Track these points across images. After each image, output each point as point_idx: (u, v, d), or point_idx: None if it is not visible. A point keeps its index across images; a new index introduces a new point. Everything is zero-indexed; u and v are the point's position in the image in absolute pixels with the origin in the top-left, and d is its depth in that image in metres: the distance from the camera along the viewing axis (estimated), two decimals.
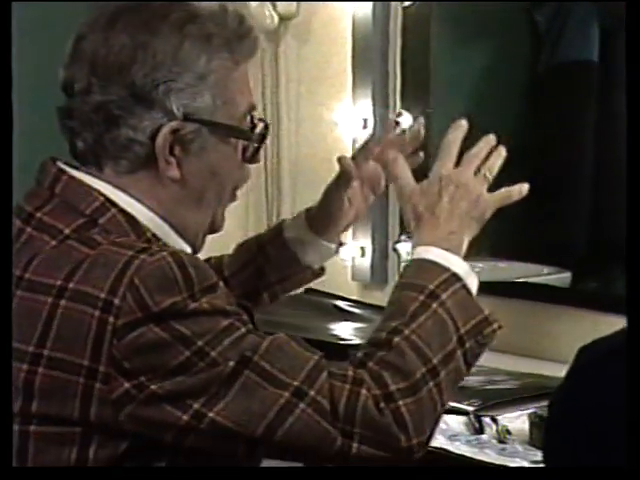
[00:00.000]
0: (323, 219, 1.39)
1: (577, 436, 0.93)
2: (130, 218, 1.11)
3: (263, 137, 1.18)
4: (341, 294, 2.03)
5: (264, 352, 1.06)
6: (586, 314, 1.77)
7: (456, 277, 1.16)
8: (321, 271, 1.43)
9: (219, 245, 2.24)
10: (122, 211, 1.11)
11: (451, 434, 1.48)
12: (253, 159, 1.18)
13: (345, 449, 1.06)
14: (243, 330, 1.06)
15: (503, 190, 1.24)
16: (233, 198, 1.20)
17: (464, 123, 1.26)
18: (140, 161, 1.12)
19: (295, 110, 2.19)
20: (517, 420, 1.50)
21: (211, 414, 1.04)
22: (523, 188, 1.26)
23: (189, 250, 1.16)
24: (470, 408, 1.53)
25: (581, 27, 1.94)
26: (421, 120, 1.40)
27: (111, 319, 1.03)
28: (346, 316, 1.93)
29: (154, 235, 1.12)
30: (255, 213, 2.25)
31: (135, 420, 1.04)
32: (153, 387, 1.03)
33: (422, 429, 1.08)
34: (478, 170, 1.23)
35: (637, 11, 0.91)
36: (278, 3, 2.11)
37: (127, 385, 1.03)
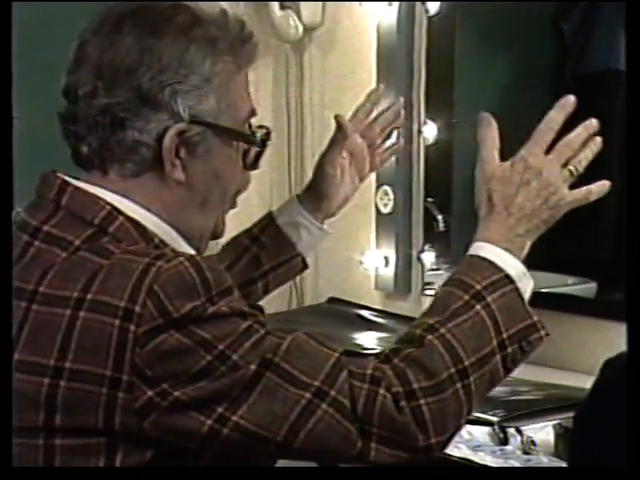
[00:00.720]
0: (315, 197, 1.43)
1: (603, 448, 0.92)
2: (137, 225, 1.11)
3: (265, 142, 1.19)
4: (364, 303, 2.03)
5: (284, 353, 1.06)
6: (611, 325, 1.76)
7: (509, 279, 1.13)
8: (306, 265, 1.46)
9: None
10: (129, 218, 1.11)
11: (475, 445, 1.47)
12: (254, 165, 1.19)
13: (364, 450, 1.06)
14: (262, 332, 1.07)
15: (583, 189, 1.19)
16: (234, 204, 1.21)
17: (572, 101, 1.19)
18: (146, 163, 1.12)
19: (319, 120, 2.19)
20: (542, 431, 1.49)
21: (234, 417, 1.04)
22: (604, 186, 1.20)
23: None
24: (494, 419, 1.53)
25: (607, 36, 1.93)
26: (400, 100, 1.48)
27: (132, 327, 1.03)
28: (369, 325, 1.93)
29: (162, 241, 1.12)
30: None
31: (160, 428, 1.04)
32: (176, 393, 1.03)
33: (443, 429, 1.07)
34: (566, 162, 1.17)
35: (637, 11, 0.91)
36: (303, 14, 2.12)
37: (150, 393, 1.03)
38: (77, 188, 1.12)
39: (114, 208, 1.11)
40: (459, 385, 1.08)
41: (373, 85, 2.06)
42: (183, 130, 1.11)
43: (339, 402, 1.05)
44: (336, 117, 1.42)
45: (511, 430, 1.49)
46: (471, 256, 1.16)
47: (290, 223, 1.42)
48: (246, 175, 1.19)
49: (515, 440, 1.48)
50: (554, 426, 1.45)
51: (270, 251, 1.42)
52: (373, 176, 2.08)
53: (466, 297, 1.12)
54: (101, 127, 1.11)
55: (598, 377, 1.00)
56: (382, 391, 1.06)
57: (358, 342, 1.83)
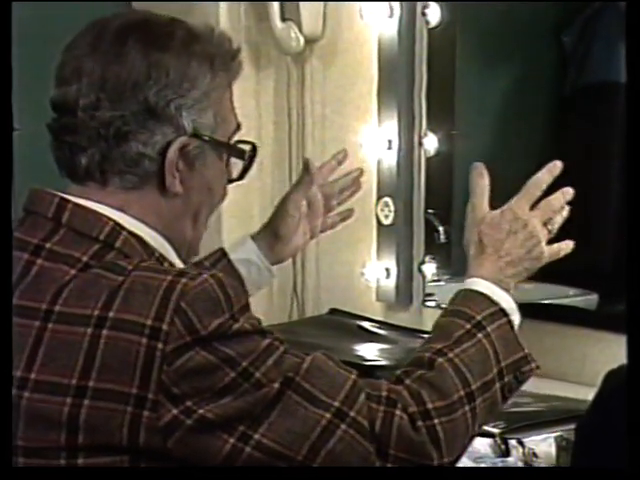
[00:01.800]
0: (270, 238, 1.45)
1: (604, 460, 0.92)
2: (139, 240, 1.12)
3: (252, 157, 1.21)
4: (365, 315, 2.03)
5: (305, 372, 1.07)
6: (613, 337, 1.76)
7: (503, 312, 1.19)
8: None
9: None
10: (131, 233, 1.12)
11: (477, 456, 1.47)
12: (240, 179, 1.21)
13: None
14: (282, 349, 1.08)
15: (555, 246, 1.28)
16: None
17: (559, 165, 1.29)
18: (148, 176, 1.13)
19: (320, 132, 2.19)
20: (543, 443, 1.49)
21: (257, 436, 1.05)
22: (569, 244, 1.30)
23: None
24: (496, 430, 1.52)
25: (607, 48, 1.94)
26: (360, 171, 1.52)
27: (160, 345, 1.03)
28: (370, 337, 1.93)
29: (161, 255, 1.13)
30: None
31: (183, 446, 1.04)
32: (201, 411, 1.03)
33: (454, 449, 1.11)
34: (545, 221, 1.26)
35: (637, 11, 0.92)
36: (304, 26, 2.12)
37: (175, 411, 1.03)
38: (77, 205, 1.12)
39: (116, 223, 1.11)
40: (467, 408, 1.11)
41: (374, 97, 2.07)
42: (186, 144, 1.13)
43: (358, 423, 1.07)
44: (305, 160, 1.46)
45: (512, 442, 1.49)
46: (467, 290, 1.21)
47: (242, 260, 1.43)
48: (226, 189, 1.22)
49: (516, 452, 1.47)
50: (556, 438, 1.45)
51: None
52: (374, 188, 2.09)
53: (468, 326, 1.17)
54: (103, 139, 1.11)
55: (600, 389, 1.00)
56: (399, 412, 1.08)
57: (359, 353, 1.83)
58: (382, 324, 2.00)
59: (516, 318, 1.21)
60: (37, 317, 1.07)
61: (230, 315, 1.06)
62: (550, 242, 1.28)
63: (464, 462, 1.45)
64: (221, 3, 2.18)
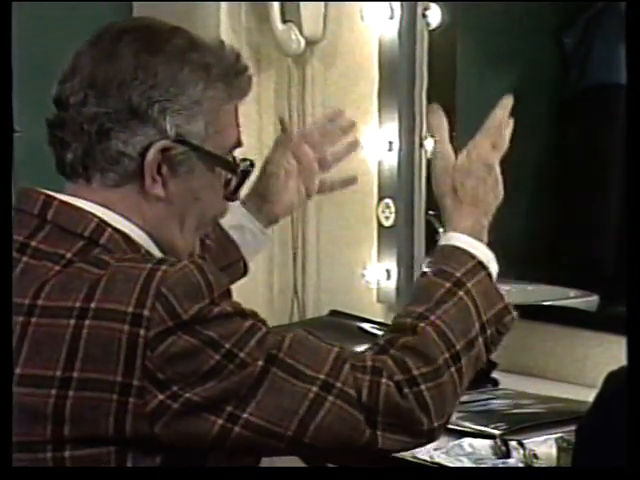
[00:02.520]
0: (257, 199, 1.44)
1: (605, 461, 0.92)
2: (125, 236, 1.12)
3: (247, 174, 1.20)
4: (366, 316, 2.03)
5: (287, 348, 1.08)
6: (613, 338, 1.76)
7: (481, 265, 1.20)
8: (247, 271, 1.47)
9: None
10: (116, 230, 1.12)
11: (477, 458, 1.47)
12: (233, 195, 1.20)
13: (372, 438, 1.09)
14: (264, 329, 1.09)
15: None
16: (207, 229, 1.23)
17: (511, 100, 1.29)
18: (127, 175, 1.13)
19: None
20: (544, 444, 1.49)
21: (244, 415, 1.05)
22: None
23: None
24: (496, 432, 1.53)
25: (608, 49, 1.94)
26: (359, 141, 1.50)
27: (142, 332, 1.04)
28: (371, 338, 1.92)
29: (147, 252, 1.14)
30: (280, 234, 2.25)
31: (171, 431, 1.05)
32: (187, 395, 1.04)
33: (443, 412, 1.12)
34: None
35: (637, 11, 0.92)
36: (305, 28, 2.13)
37: (161, 396, 1.04)
38: (62, 202, 1.13)
39: (101, 220, 1.12)
40: (453, 369, 1.13)
41: (375, 98, 2.07)
42: (167, 147, 1.13)
43: (346, 393, 1.08)
44: (279, 118, 1.48)
45: (513, 443, 1.49)
46: (445, 246, 1.22)
47: (234, 226, 1.43)
48: (224, 204, 1.21)
49: (517, 453, 1.47)
50: (556, 439, 1.45)
51: (214, 254, 1.40)
52: (375, 189, 2.09)
53: (448, 284, 1.18)
54: (87, 134, 1.12)
55: (600, 390, 1.00)
56: (384, 380, 1.09)
57: None
58: (383, 325, 1.99)
59: (493, 267, 1.22)
60: (21, 312, 1.07)
61: (210, 300, 1.06)
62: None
63: (464, 463, 1.45)
64: (222, 4, 2.18)
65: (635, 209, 0.89)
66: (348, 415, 1.07)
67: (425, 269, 1.22)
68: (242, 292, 2.26)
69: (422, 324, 1.14)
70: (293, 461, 1.76)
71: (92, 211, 1.12)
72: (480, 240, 1.22)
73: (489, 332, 1.17)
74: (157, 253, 1.15)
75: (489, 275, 1.20)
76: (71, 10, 2.10)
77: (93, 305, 1.05)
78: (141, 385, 1.03)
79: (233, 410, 1.05)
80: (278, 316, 2.20)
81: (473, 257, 1.20)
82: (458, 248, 1.21)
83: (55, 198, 1.13)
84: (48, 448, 1.05)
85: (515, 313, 1.21)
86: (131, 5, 2.24)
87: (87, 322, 1.05)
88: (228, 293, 1.10)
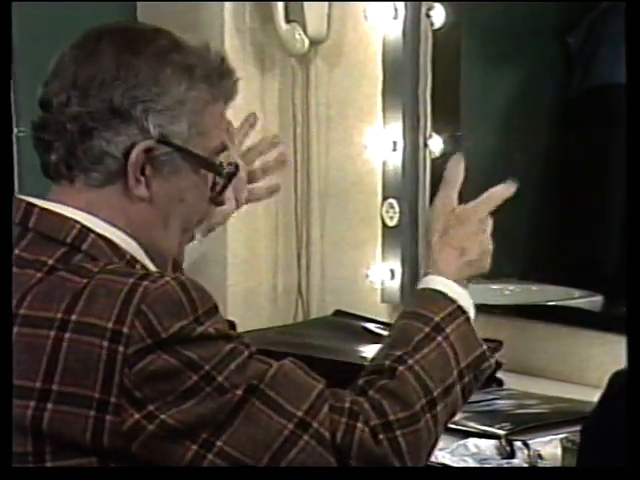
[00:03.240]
0: None
1: (610, 462, 0.92)
2: (108, 242, 1.12)
3: (231, 176, 1.20)
4: (370, 316, 2.03)
5: (270, 380, 1.07)
6: (618, 338, 1.76)
7: (461, 310, 1.20)
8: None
9: (251, 267, 2.26)
10: (100, 236, 1.12)
11: (482, 458, 1.47)
12: (218, 198, 1.19)
13: None
14: (246, 353, 1.08)
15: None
16: (193, 234, 1.22)
17: (514, 187, 1.30)
18: (111, 175, 1.13)
19: (325, 133, 2.19)
20: (548, 445, 1.49)
21: (219, 443, 1.05)
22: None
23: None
24: (501, 432, 1.53)
25: (613, 50, 1.94)
26: (283, 148, 1.53)
27: (121, 348, 1.03)
28: (375, 338, 1.93)
29: (132, 257, 1.13)
30: (284, 234, 2.25)
31: (147, 451, 1.04)
32: (163, 416, 1.03)
33: (418, 459, 1.11)
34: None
35: (637, 11, 0.92)
36: (309, 27, 2.13)
37: (137, 416, 1.03)
38: (44, 209, 1.12)
39: (83, 226, 1.11)
40: (429, 415, 1.12)
41: (379, 98, 2.07)
42: (150, 147, 1.12)
43: (320, 434, 1.07)
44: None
45: (518, 443, 1.49)
46: (425, 289, 1.22)
47: None
48: (210, 207, 1.20)
49: (522, 453, 1.47)
50: (561, 439, 1.45)
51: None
52: (379, 189, 2.09)
53: (427, 329, 1.17)
54: (70, 134, 1.12)
55: (605, 390, 1.00)
56: (360, 425, 1.09)
57: (364, 355, 1.83)
58: (387, 325, 1.99)
59: (472, 312, 1.22)
60: None
61: (194, 318, 1.06)
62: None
63: (469, 463, 1.45)
64: (226, 4, 2.18)
65: (635, 209, 0.88)
66: (319, 457, 1.07)
67: (405, 310, 1.21)
68: (247, 292, 2.27)
69: (401, 368, 1.13)
70: None
71: (74, 217, 1.12)
72: (461, 285, 1.22)
73: (466, 379, 1.17)
74: (142, 257, 1.14)
75: (468, 320, 1.20)
76: (76, 11, 2.10)
77: (74, 318, 1.05)
78: (118, 403, 1.03)
79: (208, 437, 1.04)
80: (282, 316, 2.20)
81: (453, 301, 1.20)
82: (439, 292, 1.20)
83: (36, 205, 1.12)
84: (29, 459, 1.05)
85: (493, 360, 1.21)
86: (135, 5, 2.25)
87: (67, 335, 1.04)
88: (215, 309, 1.08)
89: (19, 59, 1.99)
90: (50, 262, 1.09)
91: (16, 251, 1.10)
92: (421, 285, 1.22)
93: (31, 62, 2.01)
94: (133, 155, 1.12)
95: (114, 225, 1.13)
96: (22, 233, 1.11)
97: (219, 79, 1.16)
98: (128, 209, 1.13)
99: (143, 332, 1.03)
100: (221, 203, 1.21)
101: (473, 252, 1.23)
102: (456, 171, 1.28)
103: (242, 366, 1.06)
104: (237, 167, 1.21)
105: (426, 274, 1.23)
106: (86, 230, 1.11)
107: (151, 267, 1.15)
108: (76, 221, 1.11)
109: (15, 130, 2.05)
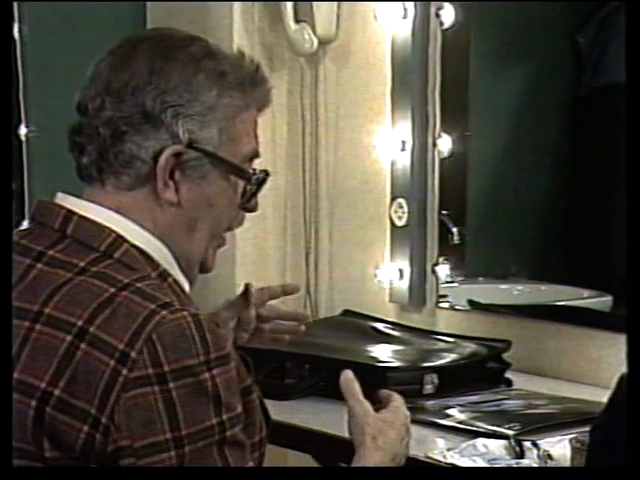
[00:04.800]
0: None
1: (619, 462, 0.92)
2: (142, 252, 1.13)
3: (261, 183, 1.20)
4: (379, 316, 2.03)
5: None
6: None
7: None
8: None
9: (260, 267, 2.26)
10: (133, 246, 1.13)
11: (491, 458, 1.47)
12: (248, 205, 1.20)
13: None
14: (228, 434, 1.06)
15: None
16: (223, 241, 1.22)
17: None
18: (140, 178, 1.14)
19: (334, 132, 2.19)
20: (558, 445, 1.49)
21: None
22: None
23: (187, 286, 1.17)
24: (510, 432, 1.52)
25: (623, 49, 1.93)
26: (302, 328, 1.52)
27: (125, 371, 1.04)
28: (384, 338, 1.93)
29: (165, 270, 1.14)
30: (293, 234, 2.25)
31: (134, 467, 1.05)
32: (125, 461, 1.04)
33: None
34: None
35: (637, 11, 0.92)
36: (318, 27, 2.13)
37: (120, 443, 1.04)
38: (83, 217, 1.14)
39: (119, 235, 1.13)
40: None
41: (388, 98, 2.07)
42: (180, 152, 1.13)
43: None
44: (246, 284, 1.48)
45: (527, 444, 1.48)
46: None
47: None
48: (240, 213, 1.21)
49: (531, 454, 1.47)
50: (570, 440, 1.45)
51: None
52: (387, 189, 2.09)
53: None
54: (102, 138, 1.13)
55: (614, 391, 1.00)
56: None
57: (372, 354, 1.83)
58: (395, 325, 2.00)
59: None
60: (28, 318, 1.08)
61: (205, 360, 1.06)
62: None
63: (478, 463, 1.45)
64: (235, 4, 2.18)
65: (635, 209, 0.88)
66: None
67: None
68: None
69: None
70: (295, 461, 1.76)
71: (110, 225, 1.13)
72: None
73: None
74: (174, 267, 1.15)
75: None
76: (86, 11, 2.11)
77: (92, 330, 1.06)
78: (107, 424, 1.04)
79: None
80: None
81: None
82: None
83: (75, 213, 1.14)
84: (31, 455, 1.06)
85: None
86: (145, 5, 2.25)
87: (82, 345, 1.05)
88: (228, 358, 1.07)
89: (30, 59, 2.01)
90: (82, 264, 1.10)
91: (50, 252, 1.12)
92: None
93: (42, 62, 2.03)
94: (162, 159, 1.13)
95: (143, 227, 1.14)
96: (60, 238, 1.13)
97: (252, 86, 1.17)
98: (156, 212, 1.15)
99: (148, 360, 1.04)
100: (251, 209, 1.21)
101: (401, 456, 1.27)
102: (351, 385, 1.29)
103: (211, 449, 1.05)
104: (267, 174, 1.21)
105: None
106: (121, 240, 1.12)
107: (181, 278, 1.16)
108: (112, 230, 1.13)
109: (25, 130, 2.07)
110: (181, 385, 1.05)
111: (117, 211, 1.14)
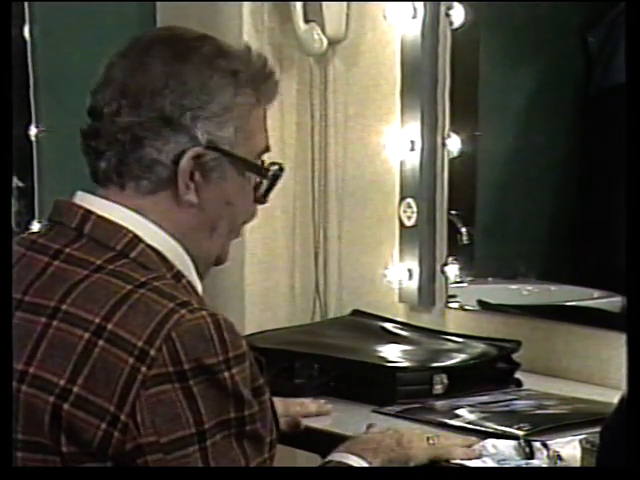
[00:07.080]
0: None
1: (629, 463, 0.92)
2: (157, 253, 1.14)
3: (276, 178, 1.22)
4: (388, 316, 2.03)
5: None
6: None
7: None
8: None
9: (269, 267, 2.26)
10: (149, 246, 1.14)
11: (500, 458, 1.47)
12: (262, 199, 1.22)
13: None
14: (247, 428, 1.08)
15: None
16: (238, 234, 1.24)
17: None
18: (161, 182, 1.15)
19: (343, 132, 2.19)
20: (568, 445, 1.48)
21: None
22: None
23: (200, 288, 1.18)
24: (520, 433, 1.52)
25: None
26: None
27: (144, 369, 1.05)
28: (393, 338, 1.93)
29: (179, 272, 1.15)
30: (302, 234, 2.25)
31: (151, 467, 1.06)
32: (149, 457, 1.04)
33: None
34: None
35: (637, 11, 0.91)
36: (327, 27, 2.13)
37: (139, 440, 1.05)
38: (100, 217, 1.15)
39: (135, 236, 1.13)
40: None
41: (397, 98, 2.06)
42: (200, 154, 1.14)
43: None
44: (297, 421, 1.50)
45: (537, 444, 1.48)
46: (330, 460, 1.28)
47: None
48: (254, 207, 1.23)
49: (541, 454, 1.47)
50: (580, 440, 1.44)
51: None
52: (397, 189, 2.09)
53: None
54: (121, 144, 1.14)
55: (624, 392, 0.99)
56: None
57: (382, 355, 1.83)
58: (405, 325, 1.99)
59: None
60: (44, 314, 1.09)
61: (225, 359, 1.07)
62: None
63: (488, 464, 1.44)
64: (244, 4, 2.18)
65: (635, 209, 0.88)
66: None
67: None
68: (264, 292, 2.27)
69: None
70: (304, 461, 1.76)
71: (127, 226, 1.14)
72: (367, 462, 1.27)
73: None
74: (189, 269, 1.16)
75: None
76: (96, 11, 2.11)
77: (110, 327, 1.06)
78: (126, 422, 1.04)
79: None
80: (300, 316, 2.20)
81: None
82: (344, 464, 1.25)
83: (93, 213, 1.15)
84: (47, 450, 1.06)
85: None
86: (155, 5, 2.25)
87: (100, 342, 1.06)
88: (245, 357, 1.09)
89: (40, 60, 2.01)
90: (98, 262, 1.11)
91: (67, 250, 1.13)
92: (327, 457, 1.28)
93: (52, 62, 2.03)
94: (183, 162, 1.14)
95: (162, 228, 1.15)
96: (77, 237, 1.14)
97: (262, 82, 1.19)
98: (177, 215, 1.16)
99: (168, 358, 1.05)
100: (265, 202, 1.23)
101: (386, 458, 1.30)
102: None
103: (230, 442, 1.07)
104: (281, 168, 1.22)
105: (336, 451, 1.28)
106: (137, 240, 1.13)
107: (195, 279, 1.17)
108: (128, 230, 1.14)
109: (35, 130, 2.08)
110: (201, 382, 1.06)
111: (137, 212, 1.15)
